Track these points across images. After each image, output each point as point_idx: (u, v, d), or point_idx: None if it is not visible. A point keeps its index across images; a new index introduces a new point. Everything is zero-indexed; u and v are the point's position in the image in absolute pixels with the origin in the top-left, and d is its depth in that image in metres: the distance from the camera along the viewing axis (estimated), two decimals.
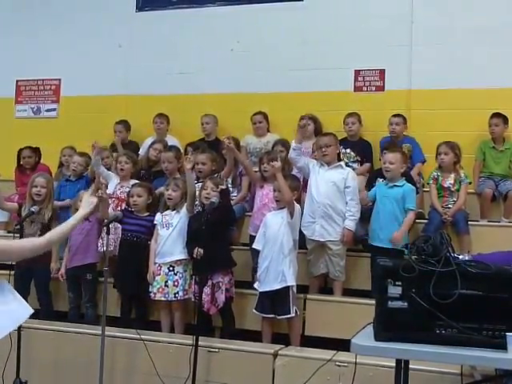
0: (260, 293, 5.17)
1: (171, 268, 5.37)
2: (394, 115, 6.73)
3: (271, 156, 5.84)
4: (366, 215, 5.67)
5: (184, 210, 5.46)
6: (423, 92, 6.97)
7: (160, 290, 5.37)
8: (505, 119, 6.44)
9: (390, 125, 6.68)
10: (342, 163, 5.76)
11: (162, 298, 5.37)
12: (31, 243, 3.16)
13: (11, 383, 4.83)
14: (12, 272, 4.86)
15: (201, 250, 4.91)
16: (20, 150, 7.53)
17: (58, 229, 3.32)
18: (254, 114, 7.16)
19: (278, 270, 5.07)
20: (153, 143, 7.08)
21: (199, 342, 4.56)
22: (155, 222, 5.55)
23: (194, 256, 4.97)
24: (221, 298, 5.16)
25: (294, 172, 5.99)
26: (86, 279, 5.79)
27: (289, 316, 5.07)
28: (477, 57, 6.72)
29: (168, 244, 5.42)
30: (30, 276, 5.77)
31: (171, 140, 7.37)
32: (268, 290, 5.10)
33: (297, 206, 5.23)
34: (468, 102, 6.77)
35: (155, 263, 5.45)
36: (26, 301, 5.55)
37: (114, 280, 5.64)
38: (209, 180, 5.43)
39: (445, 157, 5.93)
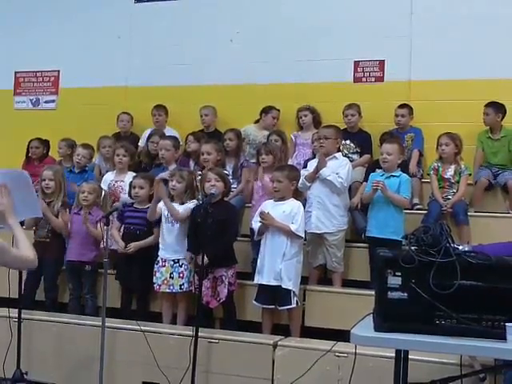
0: (259, 284, 5.17)
1: (176, 260, 5.37)
2: (400, 106, 6.72)
3: (269, 148, 5.88)
4: (367, 207, 5.69)
5: (189, 204, 5.42)
6: (423, 83, 6.95)
7: (165, 281, 5.36)
8: (497, 108, 6.37)
9: (395, 116, 6.68)
10: (337, 154, 5.74)
11: (167, 290, 5.37)
12: (25, 257, 3.01)
13: (11, 374, 4.85)
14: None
15: (206, 259, 4.84)
16: (30, 141, 7.59)
17: (23, 245, 3.06)
18: (273, 108, 7.11)
19: (275, 267, 5.06)
20: (150, 136, 7.07)
21: (199, 333, 4.57)
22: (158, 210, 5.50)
23: (198, 262, 4.85)
24: (223, 291, 5.15)
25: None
26: (85, 270, 5.80)
27: (290, 307, 5.08)
28: (477, 47, 6.69)
29: (173, 240, 5.39)
30: (40, 270, 5.75)
31: (170, 131, 7.35)
32: (265, 283, 5.11)
33: (300, 208, 5.19)
34: (468, 92, 6.74)
35: (158, 256, 5.45)
36: (35, 294, 5.70)
37: (116, 272, 5.66)
38: (209, 171, 5.43)
39: (446, 148, 5.93)
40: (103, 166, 6.99)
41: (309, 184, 5.53)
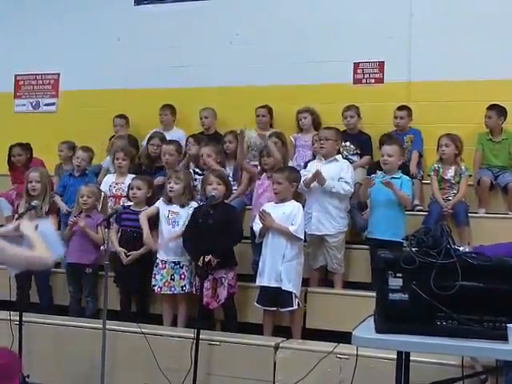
0: (261, 286, 5.17)
1: (177, 262, 5.37)
2: (399, 108, 6.71)
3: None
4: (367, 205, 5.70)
5: (190, 207, 5.43)
6: (423, 84, 6.95)
7: (166, 283, 5.36)
8: (500, 111, 6.38)
9: (394, 118, 6.68)
10: (338, 157, 5.75)
11: (168, 292, 5.36)
12: (27, 254, 2.96)
13: None
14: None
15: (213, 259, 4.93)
16: (11, 147, 7.48)
17: (38, 246, 3.01)
18: (259, 107, 7.14)
19: (275, 269, 5.06)
20: (150, 138, 7.05)
21: (200, 335, 4.57)
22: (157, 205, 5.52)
23: (200, 263, 4.85)
24: (223, 293, 5.15)
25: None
26: (85, 273, 5.80)
27: (291, 308, 5.07)
28: (476, 48, 6.68)
29: (173, 244, 5.39)
30: (29, 271, 5.79)
31: (177, 132, 7.33)
32: (266, 285, 5.11)
33: (300, 209, 5.19)
34: (468, 93, 6.74)
35: (157, 259, 5.45)
36: (28, 295, 5.72)
37: (115, 275, 5.65)
38: (211, 174, 5.42)
39: (446, 149, 5.93)
40: (111, 168, 6.93)
41: (307, 190, 5.54)
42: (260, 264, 5.19)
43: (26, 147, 7.44)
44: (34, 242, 2.98)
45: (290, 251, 5.08)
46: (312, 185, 5.49)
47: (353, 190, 5.63)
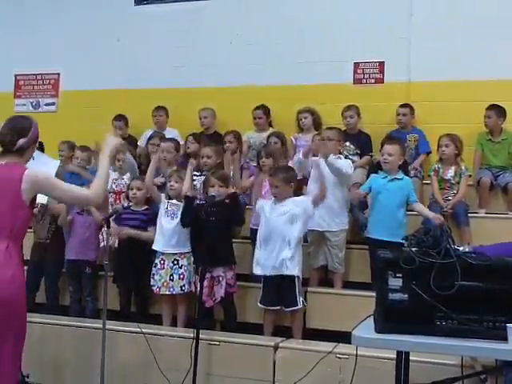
0: (264, 285, 5.13)
1: (175, 262, 5.37)
2: (402, 105, 6.75)
3: (268, 150, 5.89)
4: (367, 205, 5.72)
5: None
6: (422, 84, 6.96)
7: (164, 283, 5.36)
8: (499, 111, 6.39)
9: (396, 115, 6.71)
10: (341, 156, 5.77)
11: (167, 292, 5.37)
12: (76, 192, 3.47)
13: None
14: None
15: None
16: None
17: (96, 181, 3.49)
18: (255, 109, 7.14)
19: (281, 255, 5.04)
20: (150, 138, 7.05)
21: (200, 335, 4.57)
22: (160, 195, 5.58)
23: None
24: (220, 292, 5.14)
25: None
26: (85, 273, 5.82)
27: (296, 308, 5.05)
28: (476, 48, 6.70)
29: (171, 235, 5.39)
30: (41, 272, 5.83)
31: (171, 132, 7.34)
32: (269, 274, 5.07)
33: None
34: (468, 93, 6.76)
35: (156, 251, 5.46)
36: (35, 296, 5.74)
37: (114, 274, 5.66)
38: (212, 176, 5.41)
39: (446, 149, 5.94)
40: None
41: (303, 158, 5.58)
42: (262, 253, 5.13)
43: (39, 145, 7.46)
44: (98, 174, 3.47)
45: (294, 237, 5.05)
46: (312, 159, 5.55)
47: (351, 172, 5.62)
